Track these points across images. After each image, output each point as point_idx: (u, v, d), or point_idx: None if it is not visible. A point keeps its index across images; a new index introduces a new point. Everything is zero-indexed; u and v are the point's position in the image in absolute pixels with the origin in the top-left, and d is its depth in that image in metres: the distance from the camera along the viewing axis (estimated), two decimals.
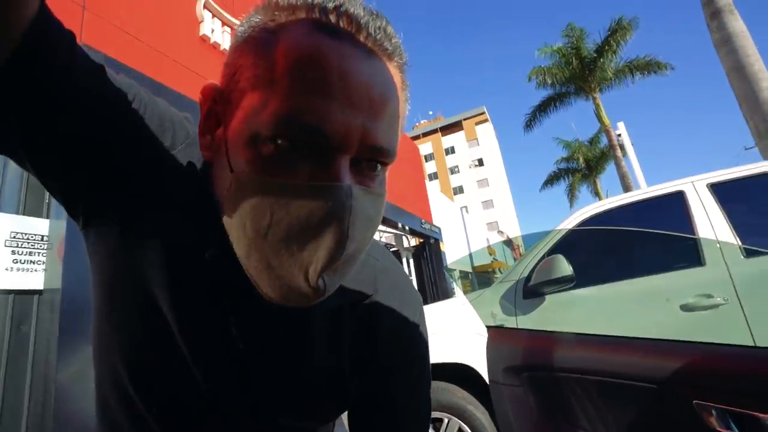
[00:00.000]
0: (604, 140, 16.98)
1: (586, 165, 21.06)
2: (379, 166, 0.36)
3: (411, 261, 8.71)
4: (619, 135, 11.84)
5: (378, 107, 0.33)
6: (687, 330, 1.74)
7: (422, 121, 55.08)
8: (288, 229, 0.32)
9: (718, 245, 1.84)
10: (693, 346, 0.87)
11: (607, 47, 13.44)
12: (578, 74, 14.01)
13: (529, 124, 15.72)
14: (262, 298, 0.35)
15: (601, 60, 13.59)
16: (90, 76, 0.35)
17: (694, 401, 0.73)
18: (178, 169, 0.41)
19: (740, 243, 1.87)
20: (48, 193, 2.36)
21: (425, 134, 50.93)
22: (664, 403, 0.82)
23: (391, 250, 8.21)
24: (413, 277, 8.51)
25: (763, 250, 1.72)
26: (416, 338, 0.51)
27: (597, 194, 21.10)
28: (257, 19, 0.35)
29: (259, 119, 0.32)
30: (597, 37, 13.81)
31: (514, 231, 41.05)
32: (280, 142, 0.32)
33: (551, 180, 21.93)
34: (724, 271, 1.76)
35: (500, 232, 30.03)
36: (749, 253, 1.75)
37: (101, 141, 0.36)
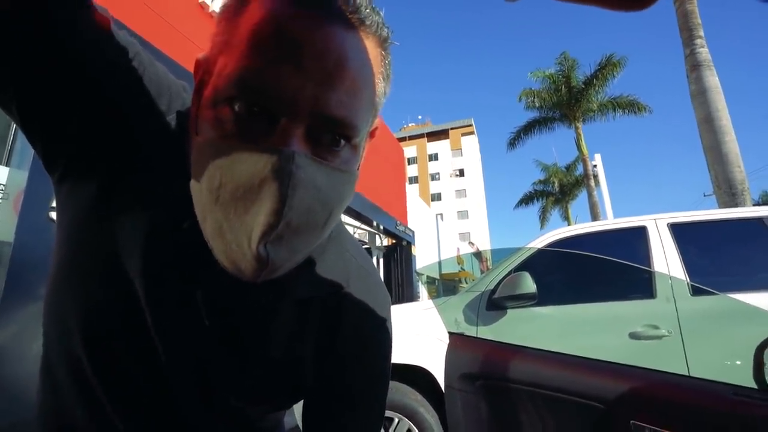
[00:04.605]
0: (580, 168, 17.63)
1: (560, 190, 21.80)
2: (343, 142, 0.35)
3: (381, 261, 8.74)
4: (595, 166, 12.34)
5: (335, 77, 0.32)
6: (632, 356, 1.85)
7: (410, 124, 55.40)
8: (234, 192, 0.32)
9: (669, 281, 1.97)
10: (637, 371, 0.93)
11: (595, 80, 13.97)
12: (565, 102, 14.48)
13: (512, 143, 16.12)
14: (231, 275, 0.35)
15: (588, 92, 14.11)
16: (95, 26, 0.34)
17: (632, 422, 0.78)
18: (168, 136, 0.40)
19: (689, 280, 2.00)
20: (10, 140, 2.22)
21: (411, 137, 51.23)
22: (606, 422, 0.87)
23: (363, 246, 8.22)
24: (381, 277, 8.55)
25: (707, 288, 1.85)
26: (381, 337, 0.52)
27: (567, 219, 21.89)
28: None
29: (219, 83, 0.33)
30: (587, 69, 14.37)
31: (484, 244, 41.92)
32: (236, 106, 0.32)
33: (526, 200, 22.57)
34: (672, 305, 1.88)
35: (471, 244, 30.60)
36: (695, 291, 1.88)
37: (97, 94, 0.35)
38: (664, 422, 0.75)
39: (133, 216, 0.39)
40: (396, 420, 2.11)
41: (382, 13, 0.37)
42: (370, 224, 7.02)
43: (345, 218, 6.42)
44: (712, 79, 5.75)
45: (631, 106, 14.02)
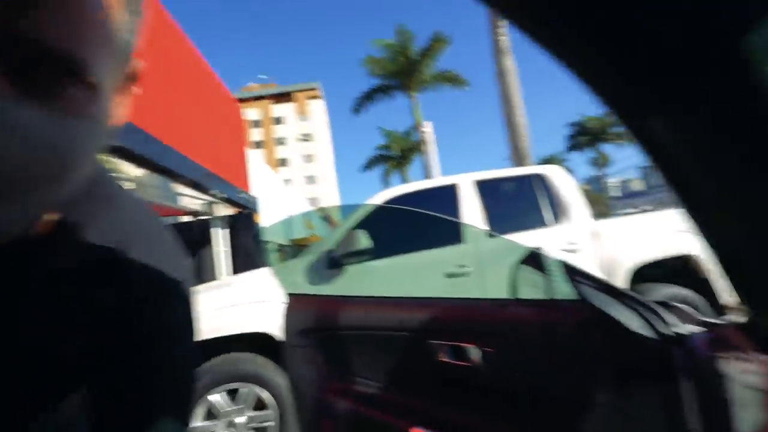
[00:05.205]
0: (417, 135, 19.59)
1: (401, 154, 23.96)
2: (68, 79, 0.28)
3: (224, 231, 8.10)
4: (425, 132, 13.90)
5: None
6: (449, 291, 2.25)
7: (252, 84, 51.05)
8: None
9: (473, 228, 2.43)
10: (437, 301, 1.12)
11: (427, 54, 15.47)
12: (404, 71, 15.66)
13: (357, 109, 16.71)
14: None
15: (422, 64, 15.57)
16: None
17: (428, 341, 0.95)
18: None
19: (487, 227, 2.52)
20: None
21: (254, 99, 47.44)
22: (415, 346, 1.03)
23: (203, 218, 7.44)
24: (228, 249, 7.96)
25: (497, 234, 2.36)
26: (180, 308, 0.46)
27: (406, 182, 24.39)
28: None
29: None
30: (423, 43, 15.77)
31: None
32: None
33: (371, 164, 24.08)
34: (475, 247, 2.34)
35: (320, 209, 31.18)
36: (490, 236, 2.39)
37: None
38: (452, 337, 0.93)
39: None
40: (242, 389, 2.06)
41: None
42: (207, 193, 6.34)
43: (180, 188, 5.61)
44: (509, 63, 7.05)
45: (454, 80, 16.13)
